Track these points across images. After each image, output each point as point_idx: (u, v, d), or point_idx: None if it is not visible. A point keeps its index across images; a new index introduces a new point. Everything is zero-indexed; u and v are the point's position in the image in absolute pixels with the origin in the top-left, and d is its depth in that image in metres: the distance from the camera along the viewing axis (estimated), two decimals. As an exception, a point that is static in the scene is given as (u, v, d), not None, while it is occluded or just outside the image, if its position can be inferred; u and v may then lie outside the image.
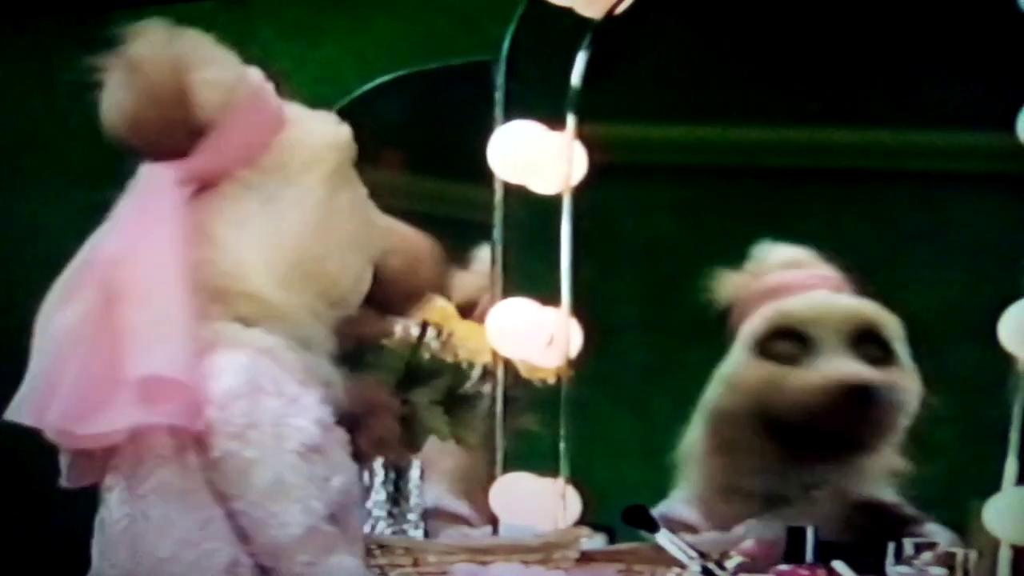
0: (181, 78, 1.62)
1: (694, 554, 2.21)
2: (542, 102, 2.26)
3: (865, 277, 2.18)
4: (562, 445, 2.20)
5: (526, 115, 2.27)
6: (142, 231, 1.64)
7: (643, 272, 2.38)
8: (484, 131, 2.26)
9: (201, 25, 2.83)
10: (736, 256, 2.24)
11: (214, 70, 1.64)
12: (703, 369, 2.29)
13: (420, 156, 2.41)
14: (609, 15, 2.20)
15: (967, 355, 2.12)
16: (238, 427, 1.53)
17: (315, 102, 2.60)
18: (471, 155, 2.25)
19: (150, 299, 1.58)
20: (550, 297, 2.27)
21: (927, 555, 2.23)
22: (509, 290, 2.24)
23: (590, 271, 2.27)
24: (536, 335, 2.22)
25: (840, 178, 2.29)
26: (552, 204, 2.26)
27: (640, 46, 2.26)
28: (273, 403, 1.54)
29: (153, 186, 1.66)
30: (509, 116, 2.27)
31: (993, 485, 2.06)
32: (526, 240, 2.27)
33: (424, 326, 2.04)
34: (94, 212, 2.89)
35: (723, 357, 2.27)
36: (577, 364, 2.22)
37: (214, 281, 1.61)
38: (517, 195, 2.26)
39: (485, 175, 2.25)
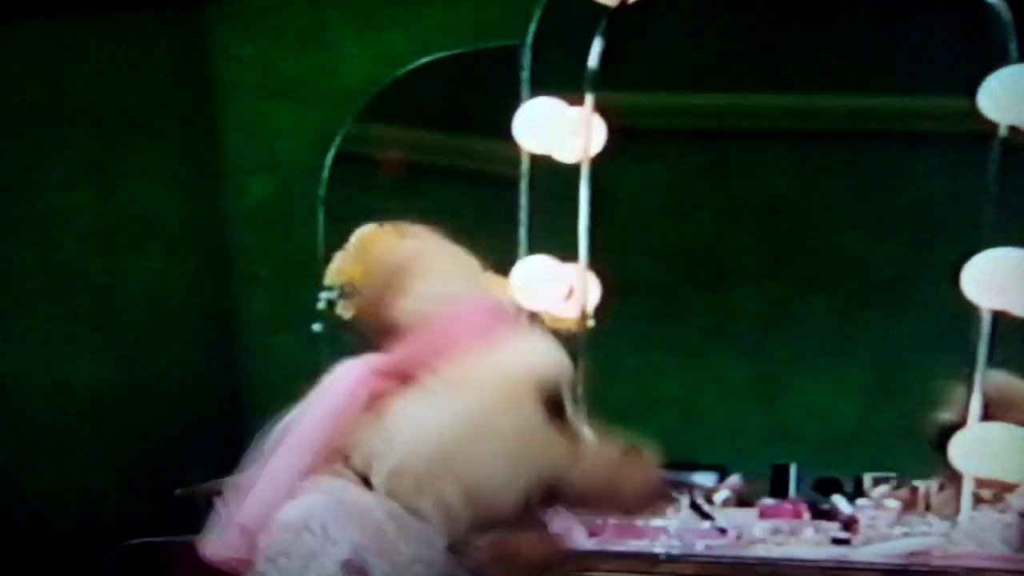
0: (395, 281, 1.74)
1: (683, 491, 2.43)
2: (563, 81, 2.50)
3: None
4: (580, 388, 2.36)
5: (549, 93, 2.51)
6: (315, 397, 1.78)
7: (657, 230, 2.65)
8: (512, 107, 2.51)
9: (279, 15, 3.21)
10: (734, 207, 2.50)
11: (429, 284, 1.73)
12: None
13: (455, 122, 2.69)
14: (623, 4, 2.44)
15: (932, 302, 2.34)
16: (274, 553, 1.67)
17: (379, 78, 2.95)
18: (501, 126, 2.51)
19: (278, 455, 1.75)
20: (570, 254, 2.51)
21: (883, 487, 2.45)
22: (534, 248, 2.49)
23: (606, 231, 2.51)
24: (556, 289, 2.47)
25: (823, 139, 2.55)
26: (573, 171, 2.50)
27: (650, 30, 2.51)
28: (311, 540, 1.67)
29: (349, 366, 1.78)
30: (534, 94, 2.53)
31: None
32: (549, 203, 2.52)
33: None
34: (189, 185, 3.27)
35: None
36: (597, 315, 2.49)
37: (364, 447, 1.70)
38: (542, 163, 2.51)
39: (513, 143, 2.51)
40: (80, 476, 3.13)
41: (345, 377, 1.78)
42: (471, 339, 1.70)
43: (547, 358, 1.74)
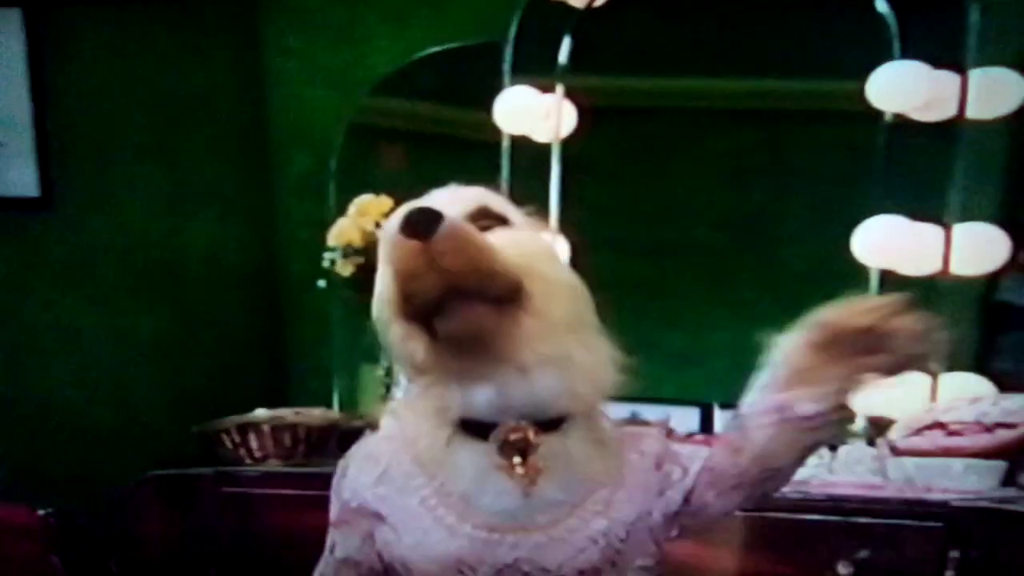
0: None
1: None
2: (538, 72, 2.84)
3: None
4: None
5: (525, 82, 2.85)
6: None
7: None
8: (494, 94, 2.85)
9: (320, 13, 3.44)
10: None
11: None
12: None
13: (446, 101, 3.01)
14: (590, 6, 2.78)
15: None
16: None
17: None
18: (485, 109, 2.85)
19: None
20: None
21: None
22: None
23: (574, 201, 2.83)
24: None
25: (746, 117, 2.88)
26: (546, 149, 2.84)
27: (613, 28, 2.82)
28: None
29: None
30: (513, 83, 2.87)
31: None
32: (526, 177, 2.82)
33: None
34: (241, 160, 3.51)
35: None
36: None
37: None
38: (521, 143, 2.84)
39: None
40: (141, 415, 3.31)
41: None
42: None
43: None
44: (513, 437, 1.47)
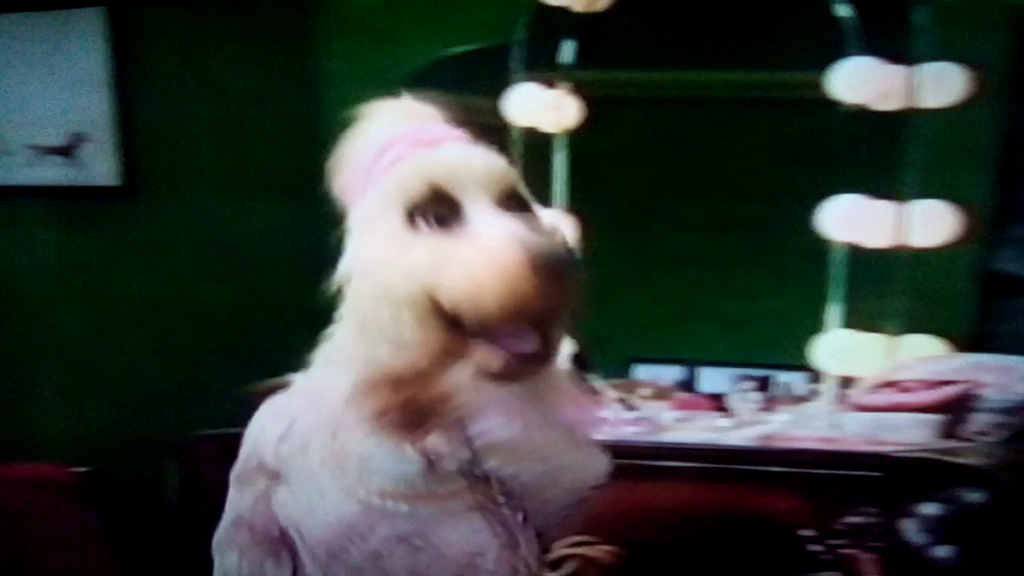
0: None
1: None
2: (544, 70, 3.10)
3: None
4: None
5: (534, 79, 3.13)
6: None
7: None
8: (506, 90, 3.11)
9: (367, 18, 3.62)
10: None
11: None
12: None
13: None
14: (591, 11, 3.05)
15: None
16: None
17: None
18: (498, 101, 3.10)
19: None
20: (548, 203, 3.08)
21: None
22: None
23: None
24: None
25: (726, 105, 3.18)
26: (551, 139, 3.09)
27: (614, 30, 3.08)
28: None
29: None
30: (522, 80, 3.13)
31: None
32: (534, 165, 2.99)
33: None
34: (295, 148, 3.55)
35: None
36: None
37: None
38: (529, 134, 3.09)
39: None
40: (208, 380, 3.39)
41: None
42: None
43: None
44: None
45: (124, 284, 3.71)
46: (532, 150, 3.06)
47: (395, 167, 1.45)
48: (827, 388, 2.72)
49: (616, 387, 2.83)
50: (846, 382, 2.72)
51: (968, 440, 2.44)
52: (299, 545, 1.44)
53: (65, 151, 3.70)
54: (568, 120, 3.09)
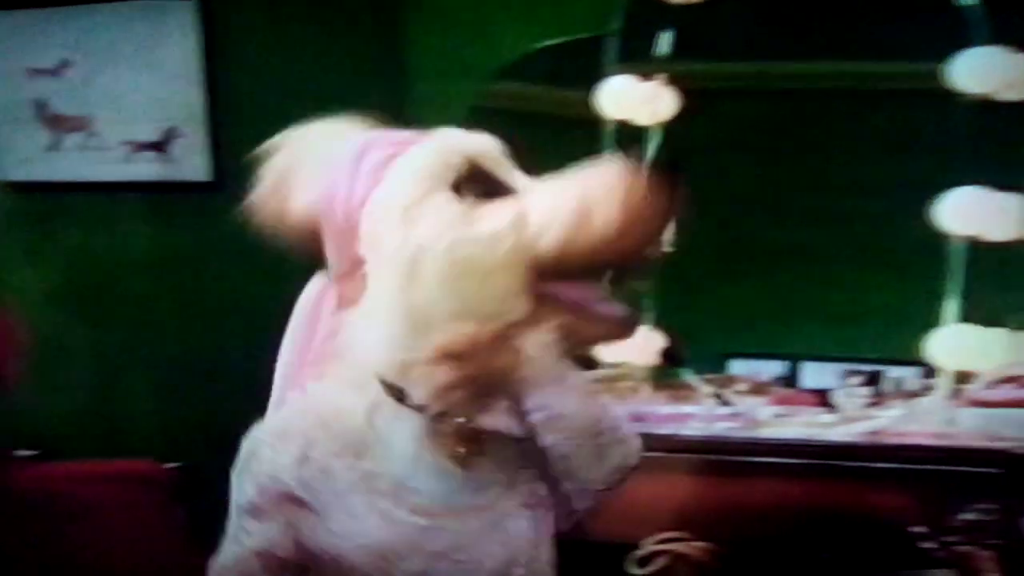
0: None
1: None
2: (640, 62, 3.04)
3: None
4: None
5: (629, 71, 3.07)
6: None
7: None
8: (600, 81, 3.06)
9: (454, 13, 3.61)
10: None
11: None
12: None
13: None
14: (689, 1, 2.98)
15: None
16: (237, 470, 1.57)
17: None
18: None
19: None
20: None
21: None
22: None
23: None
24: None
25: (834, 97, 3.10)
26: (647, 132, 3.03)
27: (714, 20, 3.04)
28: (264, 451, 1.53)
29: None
30: (615, 72, 3.08)
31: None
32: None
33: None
34: None
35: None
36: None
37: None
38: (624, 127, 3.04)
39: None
40: None
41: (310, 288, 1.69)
42: None
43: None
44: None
45: (214, 278, 3.76)
46: (625, 143, 2.97)
47: (392, 163, 1.49)
48: (942, 383, 2.63)
49: (710, 382, 2.79)
50: (962, 377, 2.63)
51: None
52: (335, 573, 1.43)
53: (158, 146, 3.79)
54: (664, 113, 3.02)
